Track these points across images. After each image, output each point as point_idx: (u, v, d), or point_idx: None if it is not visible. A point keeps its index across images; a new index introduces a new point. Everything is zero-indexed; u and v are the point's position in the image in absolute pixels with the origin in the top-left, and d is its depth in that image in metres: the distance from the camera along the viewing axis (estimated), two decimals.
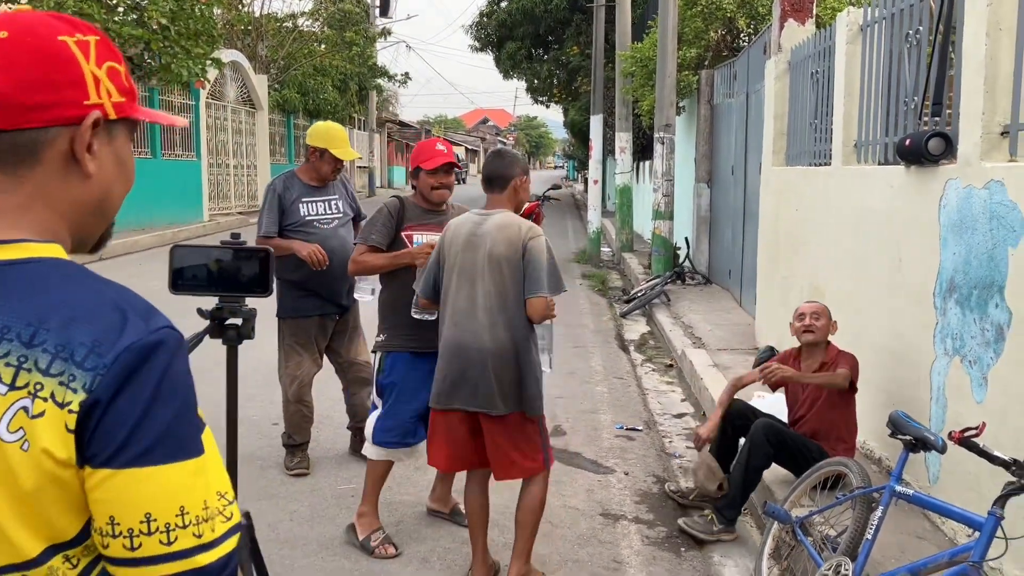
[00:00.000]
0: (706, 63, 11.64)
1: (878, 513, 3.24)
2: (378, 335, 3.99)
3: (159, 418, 0.93)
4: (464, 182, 49.75)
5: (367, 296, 4.40)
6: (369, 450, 3.97)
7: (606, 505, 4.49)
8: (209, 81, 18.95)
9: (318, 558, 3.84)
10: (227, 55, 20.72)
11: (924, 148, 3.93)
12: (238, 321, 1.50)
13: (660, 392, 6.74)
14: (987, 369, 3.45)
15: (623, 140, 14.82)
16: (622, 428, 5.74)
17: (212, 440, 0.99)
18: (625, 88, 14.38)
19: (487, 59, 29.92)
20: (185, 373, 0.98)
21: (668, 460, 5.21)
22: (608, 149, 19.05)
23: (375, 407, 4.04)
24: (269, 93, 24.96)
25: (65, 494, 0.92)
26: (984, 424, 2.96)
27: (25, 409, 0.90)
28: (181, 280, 1.49)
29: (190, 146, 19.54)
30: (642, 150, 18.57)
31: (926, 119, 4.26)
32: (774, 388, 4.43)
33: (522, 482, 3.56)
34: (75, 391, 0.90)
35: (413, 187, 4.06)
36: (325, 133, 4.68)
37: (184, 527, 0.92)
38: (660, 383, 7.01)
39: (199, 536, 0.93)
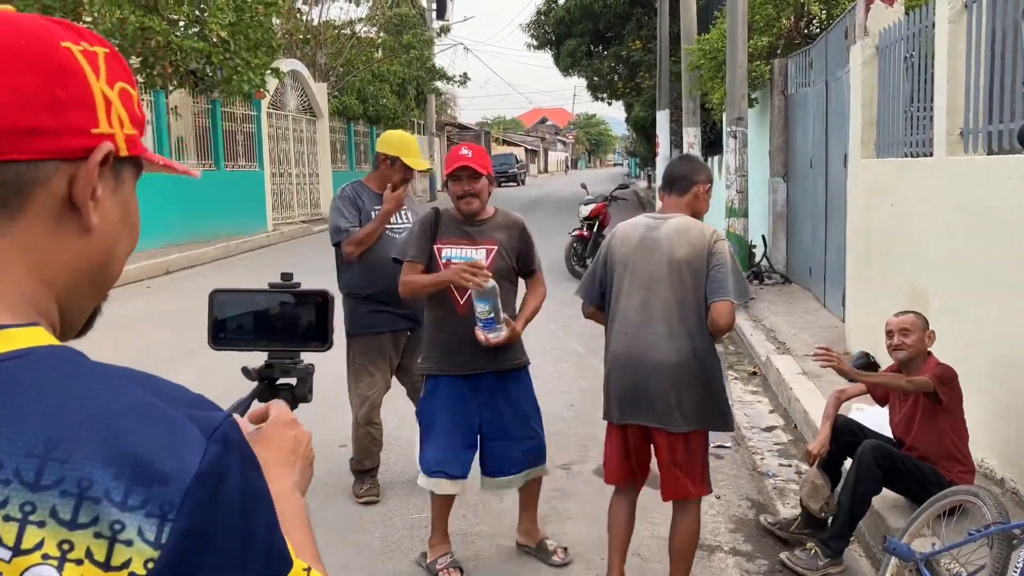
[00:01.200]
0: (778, 52, 11.15)
1: (1022, 553, 2.84)
2: (421, 360, 3.77)
3: (263, 539, 0.71)
4: (523, 183, 49.59)
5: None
6: (419, 479, 3.75)
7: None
8: (269, 91, 19.06)
9: None
10: (287, 64, 20.80)
11: None
12: (292, 381, 1.21)
13: (745, 403, 6.34)
14: None
15: (691, 135, 14.37)
16: (710, 445, 5.36)
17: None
18: (691, 85, 13.92)
19: (545, 58, 29.64)
20: (257, 467, 0.73)
21: (761, 480, 4.83)
22: (676, 144, 18.59)
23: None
24: (329, 100, 25.04)
25: None
26: None
27: None
28: (223, 332, 1.21)
29: (252, 156, 19.64)
30: (711, 145, 18.05)
31: None
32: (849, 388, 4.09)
33: (673, 506, 3.35)
34: (129, 544, 0.63)
35: None
36: (398, 142, 4.49)
37: None
38: (744, 392, 6.61)
39: None
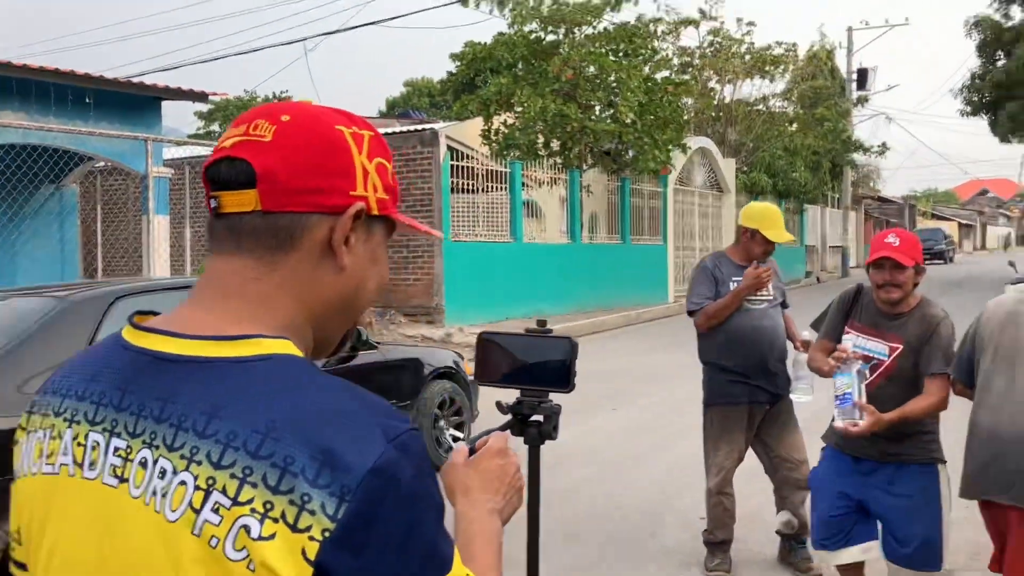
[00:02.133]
0: None
1: None
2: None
3: (423, 536, 0.84)
4: (951, 260, 45.00)
5: (805, 397, 4.12)
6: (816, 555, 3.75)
7: None
8: (675, 167, 19.71)
9: None
10: (695, 142, 21.39)
11: None
12: (540, 418, 1.32)
13: None
14: None
15: None
16: None
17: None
18: None
19: (980, 124, 26.99)
20: (434, 478, 0.87)
21: None
22: None
23: None
24: (737, 176, 25.17)
25: None
26: None
27: (247, 528, 0.80)
28: (487, 370, 1.36)
29: (657, 231, 20.37)
30: None
31: None
32: None
33: None
34: (313, 513, 0.80)
35: None
36: (758, 214, 4.46)
37: None
38: None
39: None
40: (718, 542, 4.48)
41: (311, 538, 0.79)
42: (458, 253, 14.02)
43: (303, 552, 0.79)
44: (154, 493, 0.84)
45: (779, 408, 4.45)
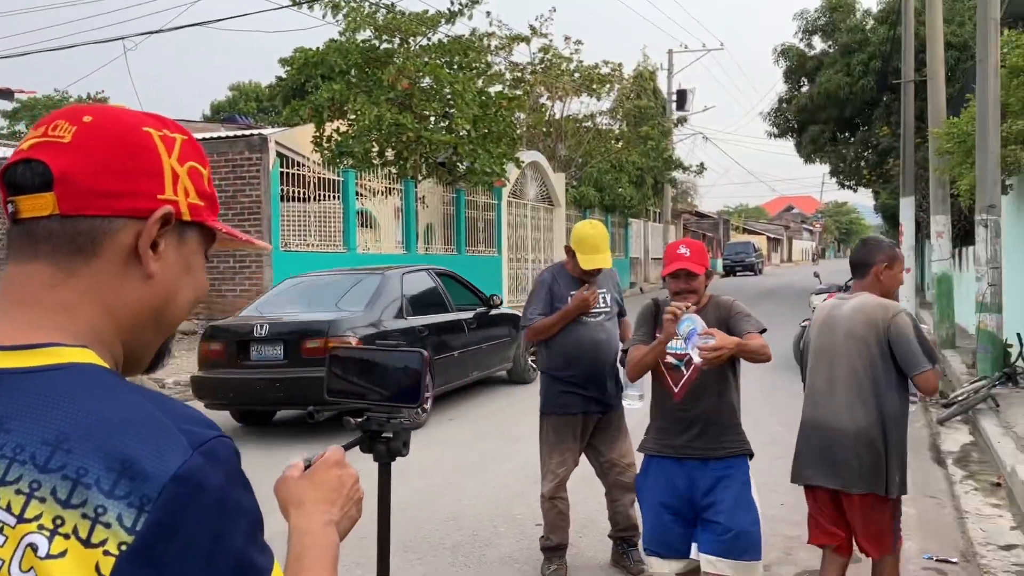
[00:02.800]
0: None
1: None
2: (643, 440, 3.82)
3: (231, 548, 0.78)
4: (760, 272, 47.95)
5: (635, 403, 4.30)
6: (647, 560, 3.77)
7: None
8: (508, 180, 20.04)
9: None
10: (527, 156, 21.84)
11: None
12: (389, 434, 1.30)
13: (984, 516, 5.69)
14: None
15: (939, 224, 13.43)
16: (932, 558, 4.87)
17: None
18: (938, 168, 13.09)
19: (787, 145, 29.04)
20: (246, 486, 0.83)
21: None
22: (924, 234, 17.43)
23: None
24: (567, 190, 25.89)
25: None
26: None
27: (33, 547, 0.74)
28: (337, 385, 1.33)
29: (492, 242, 20.62)
30: (964, 235, 16.74)
31: None
32: None
33: (872, 565, 3.61)
34: (108, 526, 0.74)
35: None
36: (576, 238, 4.57)
37: None
38: (984, 505, 5.94)
39: None
40: (554, 546, 4.57)
41: (106, 552, 0.74)
42: (288, 263, 13.62)
43: (96, 568, 0.74)
44: None
45: (611, 416, 4.60)
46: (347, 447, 1.27)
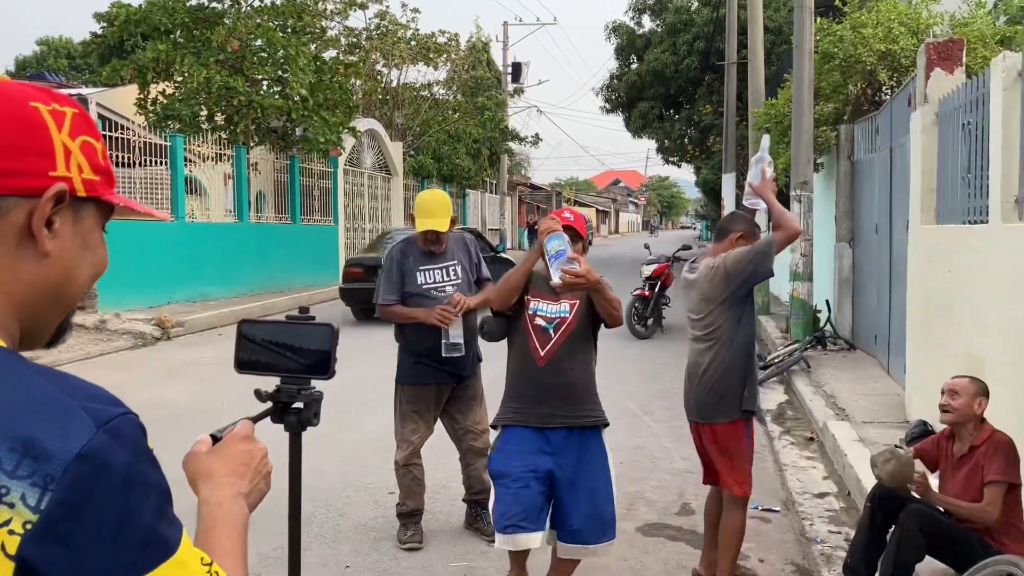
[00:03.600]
0: (845, 117, 11.13)
1: None
2: (499, 411, 3.75)
3: (140, 522, 0.79)
4: (591, 244, 49.47)
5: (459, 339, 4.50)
6: (496, 539, 3.63)
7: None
8: (344, 149, 19.69)
9: None
10: (364, 124, 21.51)
11: None
12: (300, 405, 1.33)
13: (799, 468, 6.24)
14: None
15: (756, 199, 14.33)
16: (757, 508, 5.31)
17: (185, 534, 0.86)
18: (757, 145, 13.97)
19: (618, 121, 30.01)
20: (152, 463, 0.83)
21: (808, 546, 4.75)
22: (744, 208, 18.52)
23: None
24: (404, 159, 25.71)
25: None
26: None
27: None
28: (246, 358, 1.34)
29: (328, 211, 20.24)
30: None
31: None
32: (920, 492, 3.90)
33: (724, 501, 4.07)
34: (12, 506, 0.75)
35: None
36: (417, 202, 4.63)
37: None
38: (799, 458, 6.51)
39: None
40: (410, 512, 4.64)
41: (11, 532, 0.75)
42: (111, 232, 12.76)
43: (2, 547, 0.75)
44: None
45: (466, 385, 4.70)
46: (257, 419, 1.29)
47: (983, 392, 3.79)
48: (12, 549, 0.74)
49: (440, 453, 5.27)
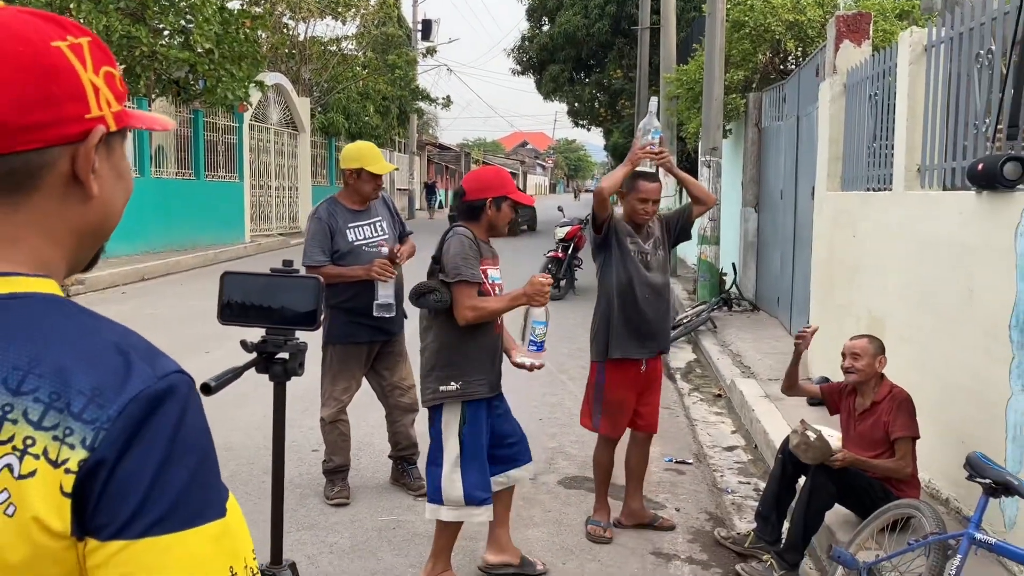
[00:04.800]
0: (754, 85, 11.46)
1: (956, 562, 3.02)
2: (444, 384, 3.57)
3: (175, 478, 0.80)
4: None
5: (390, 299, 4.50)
6: (455, 513, 3.61)
7: (657, 543, 4.29)
8: (251, 104, 19.14)
9: None
10: (271, 78, 20.92)
11: (999, 173, 3.72)
12: (286, 355, 1.36)
13: (709, 423, 6.52)
14: None
15: None
16: (671, 461, 5.54)
17: (235, 504, 0.87)
18: (669, 111, 14.23)
19: (528, 83, 29.99)
20: (201, 424, 0.85)
21: (720, 496, 4.99)
22: None
23: (436, 464, 3.64)
24: (313, 116, 25.16)
25: (59, 570, 0.78)
26: None
27: (10, 467, 0.76)
28: (229, 310, 1.36)
29: (233, 168, 19.70)
30: (689, 174, 18.35)
31: (999, 143, 4.05)
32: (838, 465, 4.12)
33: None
34: (72, 447, 0.77)
35: (460, 214, 3.73)
36: (357, 152, 4.60)
37: None
38: (709, 414, 6.80)
39: None
40: (336, 467, 4.67)
41: (67, 471, 0.77)
42: None
43: (60, 487, 0.77)
44: None
45: (393, 341, 4.73)
46: (243, 369, 1.32)
47: (881, 350, 4.03)
48: (69, 487, 0.76)
49: (361, 410, 5.29)
